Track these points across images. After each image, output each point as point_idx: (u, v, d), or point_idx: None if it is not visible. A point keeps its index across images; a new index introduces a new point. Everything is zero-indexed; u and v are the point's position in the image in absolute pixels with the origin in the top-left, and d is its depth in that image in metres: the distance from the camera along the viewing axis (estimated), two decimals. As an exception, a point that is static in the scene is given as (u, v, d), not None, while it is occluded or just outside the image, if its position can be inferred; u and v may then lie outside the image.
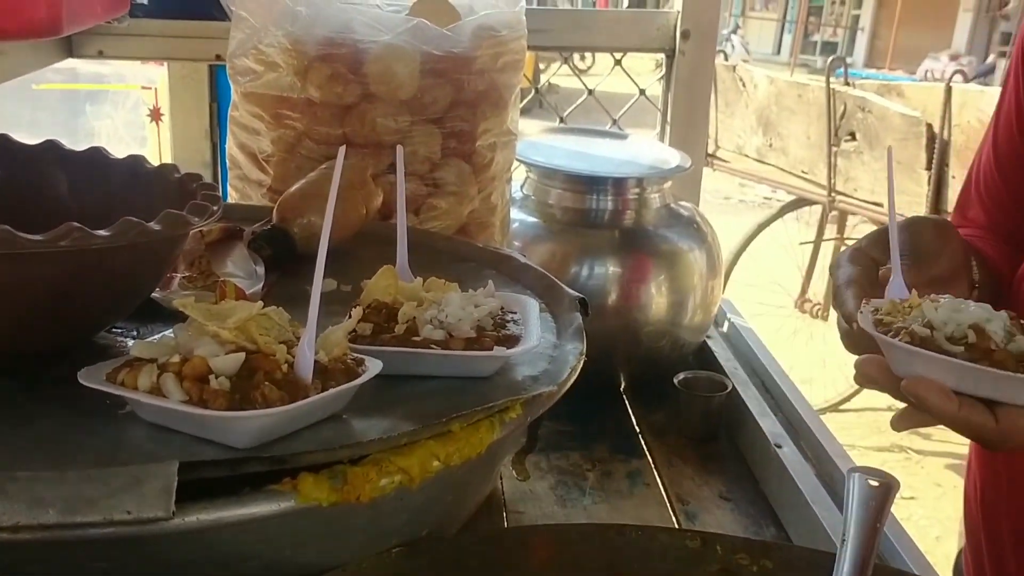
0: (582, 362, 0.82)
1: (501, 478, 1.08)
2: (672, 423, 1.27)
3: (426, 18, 1.11)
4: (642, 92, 1.86)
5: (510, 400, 0.72)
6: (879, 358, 0.71)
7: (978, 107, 3.65)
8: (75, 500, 0.54)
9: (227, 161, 1.26)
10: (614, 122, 1.86)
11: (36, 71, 1.58)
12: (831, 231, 4.56)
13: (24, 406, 0.67)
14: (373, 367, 0.68)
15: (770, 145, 4.78)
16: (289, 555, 0.66)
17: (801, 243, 4.45)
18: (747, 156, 4.96)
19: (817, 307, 4.38)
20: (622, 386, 1.36)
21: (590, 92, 1.89)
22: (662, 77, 1.79)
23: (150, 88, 2.59)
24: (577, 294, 0.93)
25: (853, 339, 0.78)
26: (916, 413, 0.70)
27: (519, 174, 1.40)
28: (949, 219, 0.95)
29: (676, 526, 1.03)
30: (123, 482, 0.55)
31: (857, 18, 20.53)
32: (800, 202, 4.64)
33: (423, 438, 0.66)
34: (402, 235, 0.89)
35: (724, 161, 5.13)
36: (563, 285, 0.96)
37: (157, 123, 2.51)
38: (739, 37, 17.87)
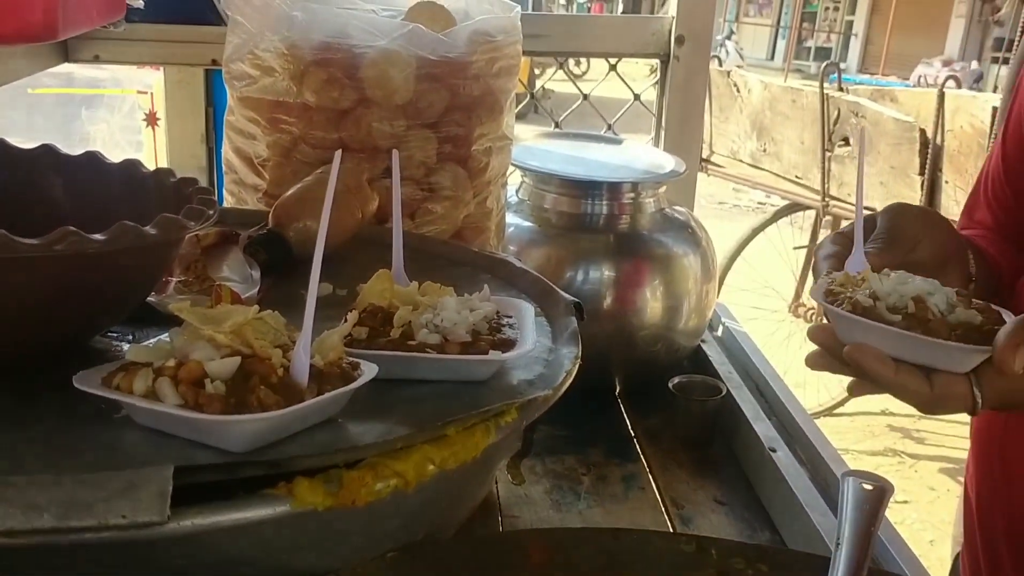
0: (577, 366, 0.82)
1: (496, 482, 1.08)
2: (667, 427, 1.27)
3: (422, 23, 1.11)
4: (637, 97, 1.87)
5: (505, 404, 0.72)
6: (828, 326, 0.74)
7: (971, 112, 3.66)
8: (70, 504, 0.54)
9: (223, 165, 1.26)
10: (609, 127, 1.86)
11: (32, 75, 1.58)
12: (825, 236, 4.57)
13: (19, 410, 0.67)
14: (369, 371, 0.68)
15: (764, 150, 4.78)
16: (285, 559, 0.66)
17: (795, 248, 4.45)
18: (741, 161, 4.96)
19: (811, 311, 4.38)
20: (617, 390, 1.37)
21: (585, 97, 1.89)
22: (657, 82, 1.79)
23: (146, 92, 2.59)
24: (572, 298, 0.93)
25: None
26: (835, 361, 0.73)
27: (514, 179, 1.40)
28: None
29: (671, 530, 1.03)
30: (118, 486, 0.55)
31: (851, 24, 20.59)
32: (794, 207, 4.65)
33: (419, 442, 0.66)
34: (398, 239, 0.89)
35: (718, 166, 5.14)
36: (558, 289, 0.96)
37: (153, 127, 2.51)
38: (733, 43, 17.91)
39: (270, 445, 0.62)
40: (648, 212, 1.35)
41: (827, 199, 4.21)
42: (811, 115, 4.34)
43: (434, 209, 1.17)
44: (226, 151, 1.24)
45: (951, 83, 4.05)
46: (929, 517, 3.51)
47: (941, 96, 3.77)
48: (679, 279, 1.31)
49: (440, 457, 0.67)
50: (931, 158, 3.81)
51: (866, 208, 0.84)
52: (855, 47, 20.02)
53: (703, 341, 1.45)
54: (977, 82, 13.72)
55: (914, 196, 3.80)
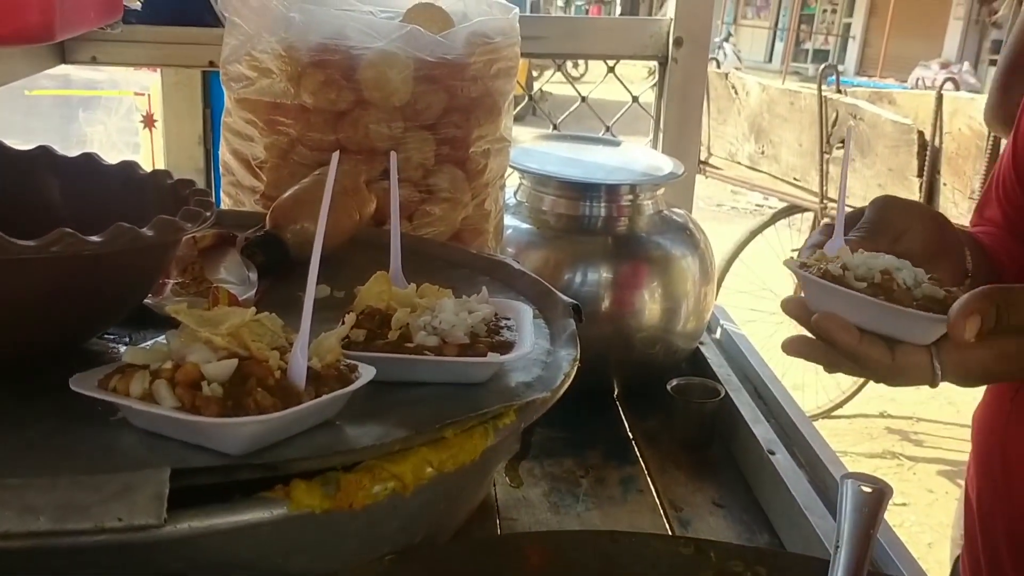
0: (576, 368, 0.82)
1: (494, 485, 1.08)
2: (665, 429, 1.27)
3: (420, 24, 1.11)
4: (635, 99, 1.87)
5: (504, 406, 0.72)
6: (800, 298, 0.77)
7: (969, 115, 3.66)
8: (66, 507, 0.54)
9: (220, 167, 1.26)
10: (607, 129, 1.86)
11: (29, 77, 1.58)
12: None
13: (15, 412, 0.66)
14: (366, 373, 0.68)
15: (762, 152, 4.79)
16: (281, 562, 0.65)
17: (793, 250, 4.45)
18: (739, 163, 4.97)
19: (809, 313, 4.37)
20: (615, 392, 1.36)
21: (583, 99, 1.89)
22: (655, 84, 1.79)
23: (143, 94, 2.59)
24: (571, 300, 0.93)
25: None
26: (807, 343, 0.75)
27: (512, 181, 1.40)
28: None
29: (669, 533, 1.03)
30: (114, 489, 0.55)
31: (848, 26, 20.61)
32: (792, 209, 4.65)
33: (416, 445, 0.66)
34: (396, 241, 0.89)
35: (716, 168, 5.14)
36: (557, 291, 0.96)
37: (150, 129, 2.51)
38: (731, 45, 17.93)
39: (267, 448, 0.62)
40: (646, 214, 1.34)
41: (825, 201, 4.21)
42: (809, 117, 4.34)
43: (432, 211, 1.17)
44: (223, 153, 1.24)
45: (949, 85, 4.04)
46: (928, 519, 3.52)
47: (939, 98, 3.78)
48: (677, 281, 1.31)
49: (438, 460, 0.66)
50: (929, 160, 3.81)
51: (863, 210, 0.84)
52: (853, 49, 20.05)
53: (701, 343, 1.44)
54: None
55: (912, 198, 3.79)
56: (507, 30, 1.19)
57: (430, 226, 1.17)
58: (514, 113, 1.30)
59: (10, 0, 0.82)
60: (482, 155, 1.21)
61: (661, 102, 1.77)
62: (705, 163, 5.08)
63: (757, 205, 7.45)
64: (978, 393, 1.00)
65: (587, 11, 23.36)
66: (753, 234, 4.56)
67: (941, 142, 3.79)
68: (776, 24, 21.69)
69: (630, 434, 1.27)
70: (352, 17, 1.12)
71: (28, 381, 0.70)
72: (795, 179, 4.51)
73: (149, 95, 2.53)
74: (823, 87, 4.22)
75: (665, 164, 1.41)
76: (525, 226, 1.34)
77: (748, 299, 4.15)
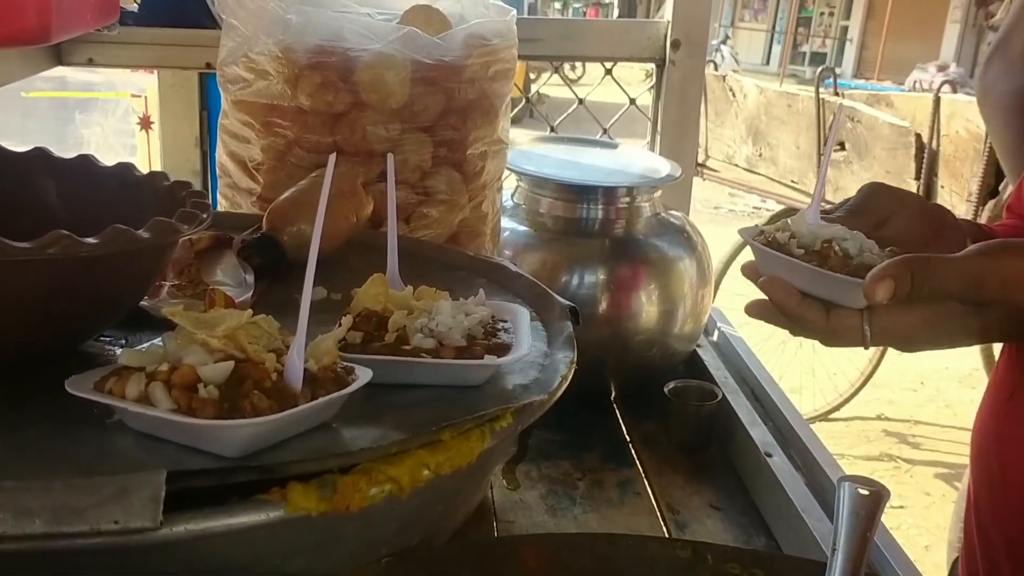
0: (573, 371, 0.82)
1: (491, 487, 1.08)
2: (662, 432, 1.27)
3: (417, 26, 1.11)
4: (632, 102, 1.87)
5: (501, 409, 0.72)
6: (754, 262, 0.82)
7: (966, 117, 3.67)
8: (62, 510, 0.54)
9: (217, 169, 1.26)
10: (604, 131, 1.86)
11: (25, 79, 1.58)
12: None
13: (10, 414, 0.66)
14: (363, 376, 0.68)
15: (760, 155, 4.79)
16: (278, 565, 0.65)
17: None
18: (737, 166, 4.98)
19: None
20: (612, 395, 1.36)
21: (580, 101, 1.89)
22: (652, 87, 1.79)
23: (140, 96, 2.59)
24: (568, 303, 0.93)
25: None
26: (763, 306, 0.80)
27: (510, 183, 1.40)
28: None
29: (666, 535, 1.03)
30: (110, 492, 0.55)
31: (846, 29, 20.64)
32: (789, 211, 4.65)
33: (413, 447, 0.66)
34: (392, 243, 0.89)
35: (714, 171, 5.15)
36: (554, 294, 0.96)
37: (147, 131, 2.51)
38: (729, 47, 17.93)
39: (264, 450, 0.61)
40: (643, 216, 1.34)
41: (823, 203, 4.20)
42: (806, 120, 4.35)
43: (429, 213, 1.17)
44: (220, 155, 1.24)
45: (946, 88, 4.05)
46: (925, 522, 3.52)
47: (937, 101, 3.78)
48: (674, 284, 1.31)
49: (435, 462, 0.66)
50: (927, 163, 3.82)
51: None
52: (850, 52, 20.07)
53: (699, 346, 1.44)
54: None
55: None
56: (504, 32, 1.18)
57: (427, 228, 1.17)
58: (511, 115, 1.30)
59: (6, 2, 0.82)
60: (479, 157, 1.21)
61: (658, 104, 1.77)
62: (703, 165, 5.09)
63: (755, 207, 7.45)
64: (976, 396, 1.00)
65: (584, 13, 23.39)
66: (751, 236, 4.56)
67: (938, 145, 3.79)
68: (773, 27, 21.72)
69: (627, 437, 1.27)
70: (349, 19, 1.12)
71: (24, 383, 0.70)
72: (792, 181, 4.52)
73: (146, 97, 2.53)
74: (820, 89, 4.22)
75: (662, 166, 1.41)
76: (522, 228, 1.34)
77: (745, 302, 4.15)
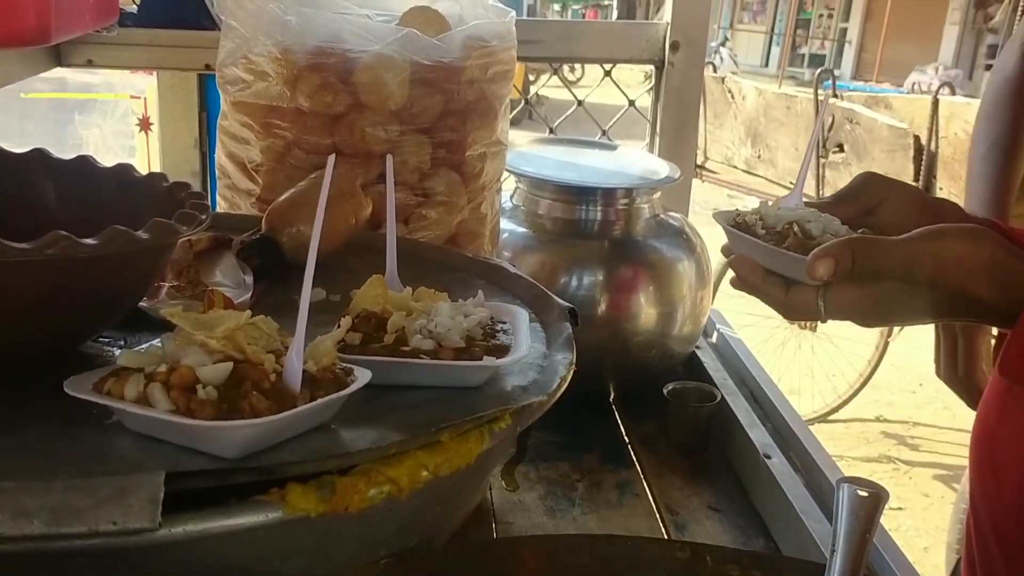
0: (572, 372, 0.82)
1: (490, 488, 1.08)
2: (661, 434, 1.26)
3: (416, 28, 1.11)
4: (631, 103, 1.87)
5: (500, 410, 0.72)
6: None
7: (965, 119, 3.67)
8: (60, 510, 0.54)
9: (216, 170, 1.26)
10: (603, 133, 1.86)
11: (24, 80, 1.58)
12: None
13: (9, 415, 0.66)
14: (362, 377, 0.68)
15: (758, 156, 4.80)
16: (277, 566, 0.65)
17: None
18: (736, 167, 4.98)
19: (805, 317, 4.38)
20: (611, 396, 1.36)
21: (580, 103, 1.89)
22: (651, 88, 1.79)
23: (139, 97, 2.59)
24: (567, 304, 0.93)
25: None
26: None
27: (509, 184, 1.40)
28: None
29: (665, 537, 1.03)
30: (109, 492, 0.55)
31: (845, 31, 20.64)
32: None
33: (412, 448, 0.66)
34: (391, 245, 0.89)
35: (713, 172, 5.15)
36: (553, 295, 0.96)
37: (146, 132, 2.51)
38: (728, 49, 17.94)
39: (262, 451, 0.61)
40: (642, 218, 1.34)
41: (821, 205, 4.20)
42: (805, 121, 4.35)
43: (428, 215, 1.17)
44: (219, 156, 1.24)
45: (945, 90, 4.06)
46: (924, 524, 3.52)
47: (935, 103, 3.79)
48: (673, 285, 1.31)
49: (434, 463, 0.66)
50: (925, 164, 3.82)
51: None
52: (849, 54, 20.07)
53: (697, 347, 1.44)
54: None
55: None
56: (503, 34, 1.19)
57: (426, 230, 1.17)
58: (510, 117, 1.30)
59: (5, 3, 0.82)
60: (478, 159, 1.21)
61: (657, 106, 1.77)
62: (701, 167, 5.09)
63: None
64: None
65: (584, 15, 23.40)
66: (749, 238, 4.57)
67: (937, 146, 3.80)
68: (772, 29, 21.72)
69: (626, 438, 1.27)
70: (348, 20, 1.12)
71: (23, 384, 0.70)
72: (791, 183, 4.51)
73: (145, 98, 2.53)
74: (819, 91, 4.22)
75: (661, 168, 1.41)
76: (521, 230, 1.34)
77: (744, 303, 4.13)
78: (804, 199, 0.87)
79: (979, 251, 0.74)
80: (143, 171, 0.88)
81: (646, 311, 1.29)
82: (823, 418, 4.28)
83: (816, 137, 0.92)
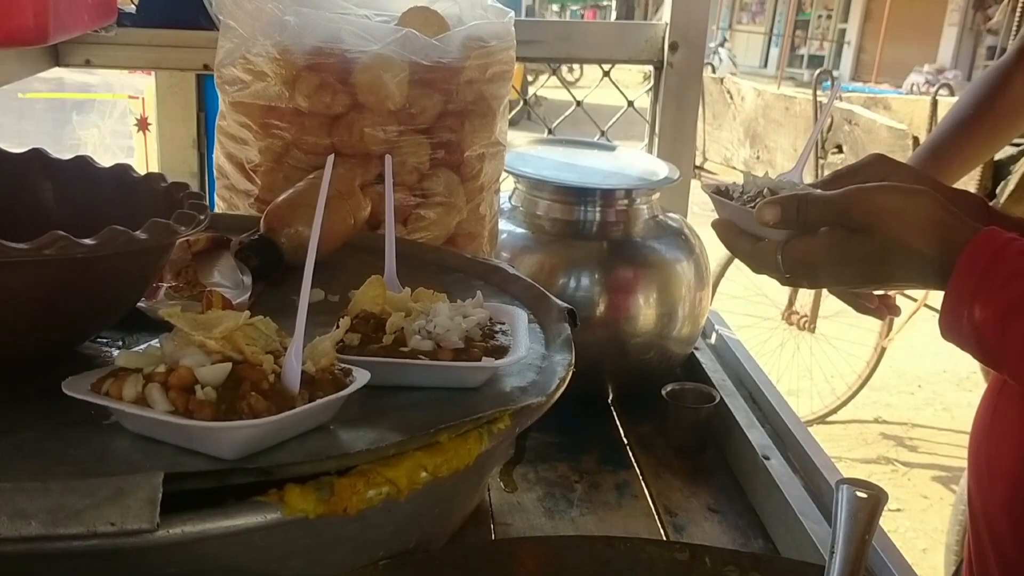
0: (571, 373, 0.82)
1: (488, 490, 1.07)
2: (660, 435, 1.26)
3: (415, 28, 1.11)
4: (630, 104, 1.87)
5: (498, 411, 0.72)
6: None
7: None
8: (58, 511, 0.53)
9: (214, 171, 1.26)
10: (602, 133, 1.86)
11: (22, 80, 1.58)
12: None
13: (7, 416, 0.66)
14: (361, 378, 0.68)
15: (757, 157, 4.80)
16: (275, 567, 0.65)
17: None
18: (734, 168, 4.98)
19: (804, 319, 4.38)
20: (610, 397, 1.36)
21: (578, 104, 1.89)
22: (650, 89, 1.79)
23: (137, 97, 2.58)
24: (566, 305, 0.93)
25: None
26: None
27: (507, 185, 1.40)
28: None
29: (664, 538, 1.03)
30: (107, 493, 0.55)
31: (843, 32, 20.66)
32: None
33: (411, 449, 0.66)
34: (390, 245, 0.89)
35: (712, 173, 5.15)
36: (552, 296, 0.96)
37: (144, 133, 2.50)
38: (726, 50, 17.96)
39: (261, 452, 0.61)
40: (641, 219, 1.34)
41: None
42: (804, 122, 4.35)
43: (427, 215, 1.17)
44: (218, 156, 1.24)
45: (944, 91, 4.06)
46: (922, 525, 3.52)
47: (934, 103, 3.79)
48: (672, 286, 1.31)
49: (432, 464, 0.66)
50: (924, 166, 3.81)
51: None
52: (848, 55, 20.08)
53: (696, 348, 1.44)
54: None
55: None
56: (502, 34, 1.18)
57: (425, 230, 1.17)
58: (509, 117, 1.30)
59: (4, 3, 0.82)
60: (477, 159, 1.21)
61: (656, 107, 1.77)
62: (700, 168, 5.09)
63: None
64: (973, 399, 1.01)
65: (582, 15, 23.41)
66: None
67: (936, 147, 3.79)
68: (771, 29, 21.73)
69: (625, 439, 1.27)
70: (347, 20, 1.12)
71: (20, 384, 0.70)
72: (790, 184, 4.51)
73: (143, 98, 2.52)
74: (818, 92, 4.22)
75: (660, 169, 1.41)
76: (520, 231, 1.34)
77: (743, 304, 4.15)
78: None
79: (915, 205, 0.78)
80: (141, 171, 0.87)
81: (645, 312, 1.29)
82: (822, 419, 4.28)
83: (825, 117, 1.05)
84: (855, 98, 4.72)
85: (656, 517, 1.08)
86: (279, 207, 1.03)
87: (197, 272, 0.95)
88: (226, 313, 0.67)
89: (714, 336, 1.55)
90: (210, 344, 0.63)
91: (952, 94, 4.50)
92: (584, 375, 0.87)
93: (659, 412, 1.26)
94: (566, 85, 2.03)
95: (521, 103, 2.04)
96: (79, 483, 0.55)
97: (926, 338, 4.76)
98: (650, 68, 1.77)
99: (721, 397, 1.26)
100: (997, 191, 3.29)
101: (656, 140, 1.76)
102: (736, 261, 3.99)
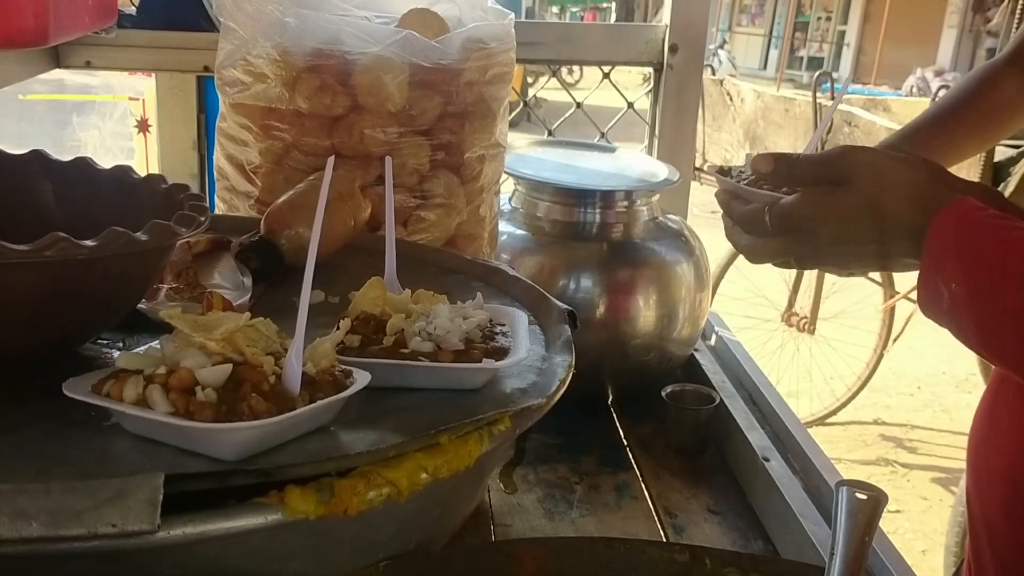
0: (571, 375, 0.82)
1: (488, 491, 1.07)
2: (660, 436, 1.26)
3: (415, 30, 1.11)
4: (630, 105, 1.87)
5: (499, 412, 0.72)
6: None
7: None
8: (59, 513, 0.53)
9: (215, 172, 1.26)
10: (602, 135, 1.86)
11: (23, 81, 1.58)
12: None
13: (8, 416, 0.66)
14: (361, 379, 0.68)
15: (757, 159, 4.79)
16: (276, 568, 0.65)
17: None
18: (734, 170, 4.97)
19: (804, 321, 4.38)
20: (610, 399, 1.36)
21: (578, 105, 1.89)
22: (650, 91, 1.79)
23: (137, 99, 2.59)
24: (566, 306, 0.93)
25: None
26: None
27: (507, 187, 1.40)
28: None
29: (664, 539, 1.03)
30: (108, 495, 0.55)
31: (843, 34, 20.65)
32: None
33: (411, 450, 0.66)
34: (390, 247, 0.89)
35: (711, 175, 5.15)
36: (552, 297, 0.96)
37: (144, 134, 2.50)
38: (726, 52, 17.96)
39: (261, 453, 0.61)
40: (641, 220, 1.34)
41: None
42: (804, 124, 4.35)
43: (427, 217, 1.17)
44: (218, 158, 1.24)
45: (943, 93, 4.06)
46: (922, 527, 3.51)
47: (934, 105, 3.78)
48: (672, 288, 1.31)
49: (433, 465, 0.66)
50: (923, 167, 3.81)
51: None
52: (847, 57, 20.08)
53: (696, 350, 1.44)
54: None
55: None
56: (502, 36, 1.18)
57: (425, 232, 1.17)
58: (509, 119, 1.30)
59: (4, 4, 0.82)
60: (477, 161, 1.21)
61: (656, 108, 1.77)
62: (700, 170, 5.09)
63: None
64: (972, 400, 1.01)
65: (582, 17, 23.40)
66: (747, 241, 4.57)
67: (935, 149, 3.79)
68: (771, 31, 21.73)
69: (624, 441, 1.27)
70: (347, 22, 1.12)
71: (21, 385, 0.70)
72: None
73: (143, 100, 2.52)
74: (818, 94, 4.23)
75: (660, 170, 1.41)
76: (520, 232, 1.34)
77: (743, 306, 4.16)
78: None
79: (893, 162, 0.80)
80: (142, 173, 0.87)
81: (645, 314, 1.29)
82: (821, 421, 4.28)
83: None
84: (854, 100, 4.72)
85: (656, 518, 1.08)
86: (279, 209, 1.03)
87: (197, 273, 0.95)
88: (226, 315, 0.67)
89: (714, 337, 1.55)
90: (211, 346, 0.63)
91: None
92: (584, 376, 0.87)
93: (659, 413, 1.26)
94: (566, 87, 2.03)
95: (521, 105, 2.04)
96: (80, 484, 0.55)
97: (925, 340, 4.76)
98: (650, 70, 1.77)
99: (721, 398, 1.26)
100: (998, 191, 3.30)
101: (656, 142, 1.76)
102: (736, 263, 3.97)
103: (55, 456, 0.61)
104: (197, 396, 0.60)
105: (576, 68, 10.46)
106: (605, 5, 23.83)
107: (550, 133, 1.91)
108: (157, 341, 0.68)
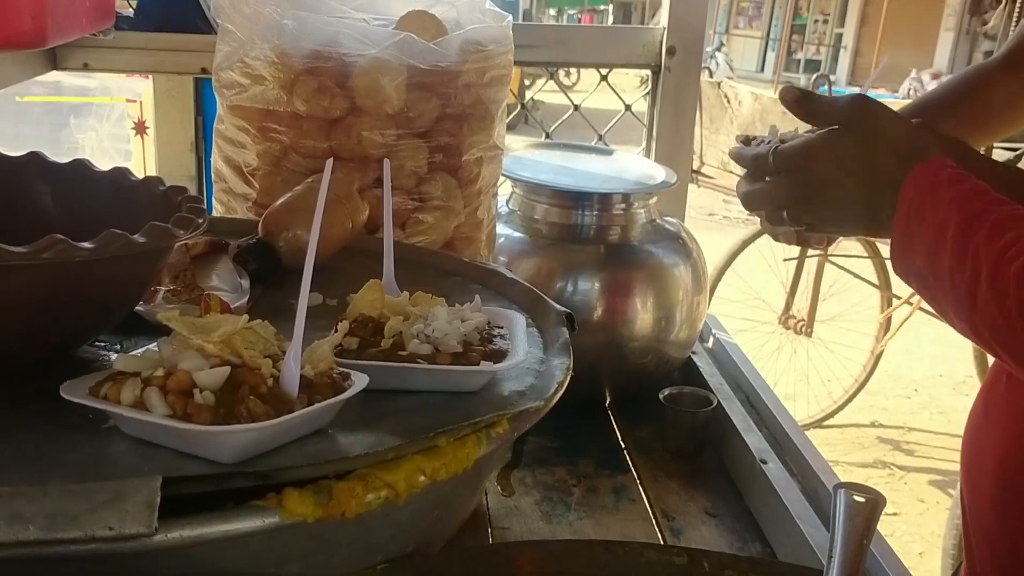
0: (568, 377, 0.82)
1: (486, 494, 1.07)
2: (657, 439, 1.26)
3: (413, 32, 1.11)
4: (628, 108, 1.87)
5: (497, 415, 0.72)
6: None
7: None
8: (56, 516, 0.53)
9: (212, 174, 1.26)
10: (600, 138, 1.86)
11: (20, 83, 1.58)
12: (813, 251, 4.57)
13: (5, 419, 0.66)
14: (359, 382, 0.68)
15: (754, 161, 4.79)
16: (273, 571, 0.65)
17: (785, 259, 4.45)
18: (732, 172, 4.98)
19: (801, 323, 4.39)
20: (607, 401, 1.36)
21: (576, 108, 1.89)
22: (647, 93, 1.80)
23: (135, 101, 2.59)
24: (564, 309, 0.93)
25: None
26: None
27: (505, 189, 1.40)
28: None
29: (662, 542, 1.03)
30: (105, 497, 0.54)
31: (840, 36, 20.67)
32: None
33: (409, 453, 0.66)
34: (388, 249, 0.89)
35: (709, 177, 5.15)
36: (549, 300, 0.96)
37: (142, 136, 2.51)
38: (723, 54, 17.97)
39: (259, 456, 0.61)
40: (639, 223, 1.34)
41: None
42: (801, 127, 4.35)
43: (425, 219, 1.17)
44: (216, 160, 1.24)
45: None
46: (919, 529, 3.52)
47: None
48: (670, 290, 1.31)
49: (431, 468, 0.66)
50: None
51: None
52: (844, 59, 20.10)
53: (694, 352, 1.44)
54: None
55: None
56: (500, 38, 1.19)
57: (423, 234, 1.17)
58: (507, 121, 1.30)
59: (1, 6, 0.82)
60: (475, 163, 1.21)
61: (654, 111, 1.77)
62: (698, 172, 5.10)
63: (749, 215, 7.42)
64: (969, 403, 1.01)
65: (579, 19, 23.43)
66: (745, 243, 4.57)
67: (932, 152, 3.79)
68: (768, 34, 21.75)
69: (622, 443, 1.27)
70: (345, 24, 1.12)
71: (18, 388, 0.70)
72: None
73: (141, 102, 2.52)
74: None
75: (658, 173, 1.41)
76: (517, 235, 1.34)
77: (740, 308, 4.16)
78: None
79: (893, 114, 0.84)
80: (139, 175, 0.87)
81: (642, 316, 1.29)
82: (819, 423, 4.29)
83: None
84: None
85: (654, 521, 1.08)
86: (277, 211, 1.03)
87: (195, 276, 0.95)
88: (224, 317, 0.67)
89: (711, 340, 1.55)
90: (208, 348, 0.63)
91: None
92: (582, 379, 0.87)
93: (657, 416, 1.26)
94: (563, 89, 2.03)
95: (519, 107, 2.04)
96: (77, 487, 0.55)
97: (922, 342, 4.77)
98: (647, 72, 1.78)
99: (718, 401, 1.26)
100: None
101: (653, 144, 1.77)
102: (733, 266, 3.97)
103: (52, 458, 0.61)
104: (195, 398, 0.60)
105: (573, 70, 10.47)
106: (602, 7, 23.87)
107: (548, 135, 1.92)
108: (155, 343, 0.68)
